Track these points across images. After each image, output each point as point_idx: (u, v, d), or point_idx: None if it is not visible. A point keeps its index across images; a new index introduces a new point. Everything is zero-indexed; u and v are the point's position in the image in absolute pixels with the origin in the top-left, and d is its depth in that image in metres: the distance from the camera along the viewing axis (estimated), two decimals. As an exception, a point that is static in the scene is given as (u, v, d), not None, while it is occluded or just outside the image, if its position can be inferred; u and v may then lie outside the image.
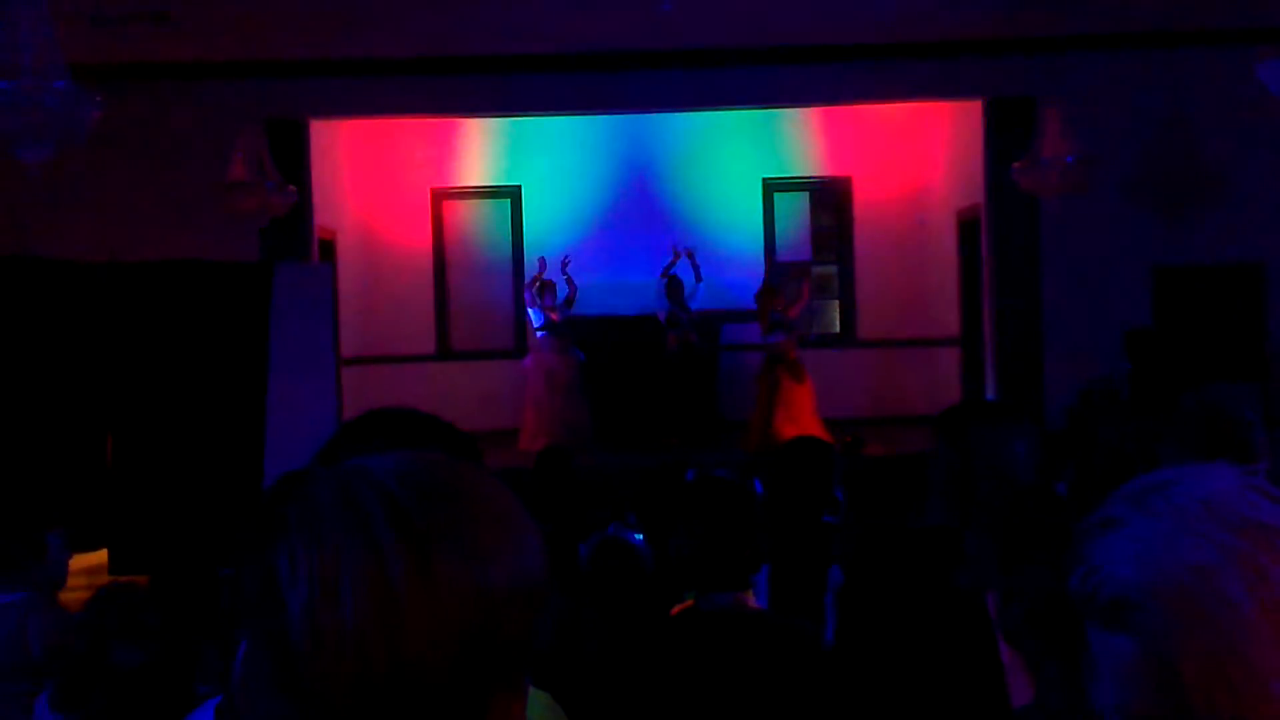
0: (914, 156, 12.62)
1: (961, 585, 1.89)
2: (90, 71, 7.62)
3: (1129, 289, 10.12)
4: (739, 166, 12.62)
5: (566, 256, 11.06)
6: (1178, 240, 10.14)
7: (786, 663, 2.57)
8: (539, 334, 10.87)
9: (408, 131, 12.50)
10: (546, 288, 10.82)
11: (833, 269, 12.97)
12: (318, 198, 10.60)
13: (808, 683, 2.46)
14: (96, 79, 7.26)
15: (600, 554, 4.21)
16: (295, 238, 10.03)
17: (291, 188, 9.35)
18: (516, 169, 12.66)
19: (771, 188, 12.81)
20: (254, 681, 0.84)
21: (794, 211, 12.99)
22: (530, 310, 10.95)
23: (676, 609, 2.98)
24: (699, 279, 10.98)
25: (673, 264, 11.06)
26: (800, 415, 10.14)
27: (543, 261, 11.00)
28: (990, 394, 10.41)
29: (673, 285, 11.01)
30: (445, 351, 12.69)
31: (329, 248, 11.20)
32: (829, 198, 12.91)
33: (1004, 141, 10.02)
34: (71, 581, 4.30)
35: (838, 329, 12.91)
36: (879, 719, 1.75)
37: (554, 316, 10.82)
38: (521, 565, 0.86)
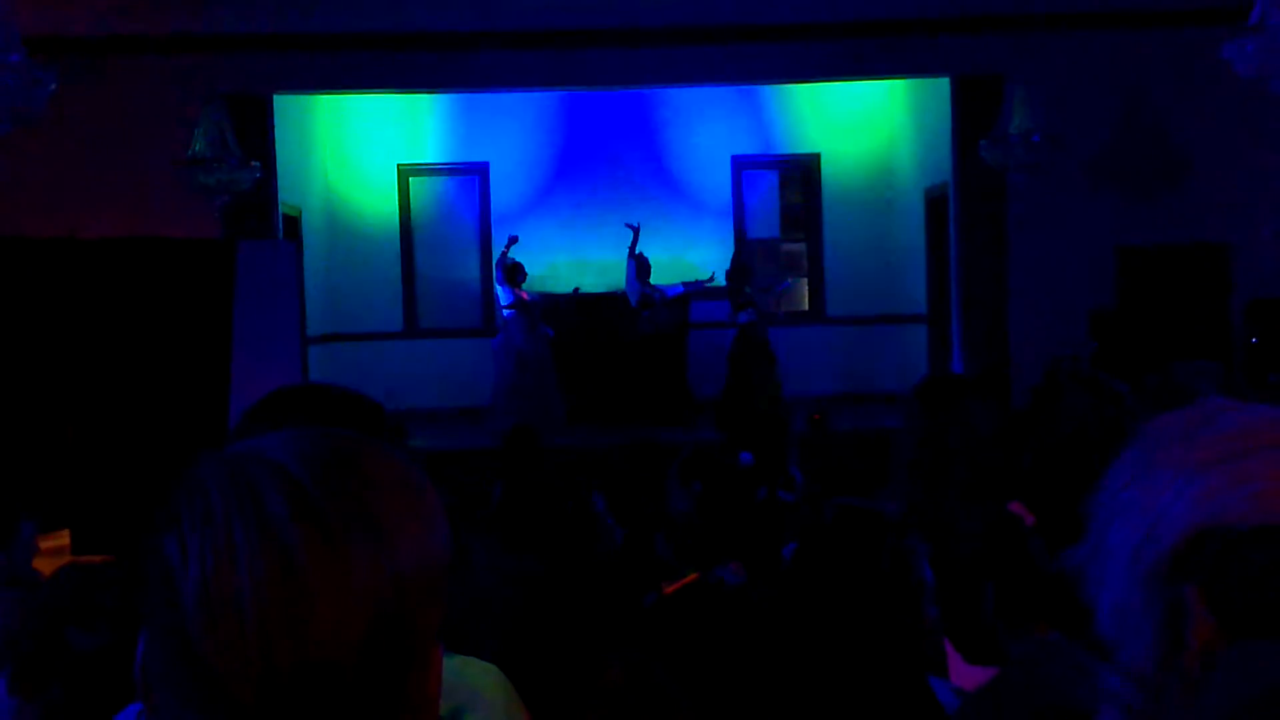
0: (882, 134, 12.64)
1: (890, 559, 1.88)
2: (48, 45, 7.50)
3: (1094, 268, 10.18)
4: (707, 144, 12.59)
5: (514, 235, 10.97)
6: (1143, 220, 10.20)
7: (788, 639, 2.56)
8: (506, 312, 10.82)
9: (374, 107, 12.39)
10: (515, 269, 10.77)
11: (801, 246, 12.99)
12: (282, 174, 10.48)
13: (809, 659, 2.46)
14: (54, 53, 7.15)
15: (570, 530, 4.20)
16: (259, 215, 9.91)
17: (255, 164, 9.23)
18: (484, 146, 12.58)
19: (740, 165, 12.79)
20: (156, 679, 0.80)
21: (763, 189, 12.98)
22: (499, 288, 10.90)
23: (678, 584, 2.97)
24: (632, 254, 10.93)
25: (635, 242, 11.02)
26: (769, 393, 10.18)
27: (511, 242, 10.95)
28: (958, 371, 10.46)
29: (642, 265, 10.98)
30: (412, 329, 12.62)
31: (294, 225, 11.08)
32: (798, 175, 12.91)
33: (972, 119, 10.03)
34: (35, 562, 4.25)
35: (806, 306, 12.93)
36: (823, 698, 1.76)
37: (523, 295, 10.78)
38: (428, 540, 0.83)
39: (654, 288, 10.99)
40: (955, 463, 2.40)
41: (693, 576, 2.83)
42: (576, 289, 11.55)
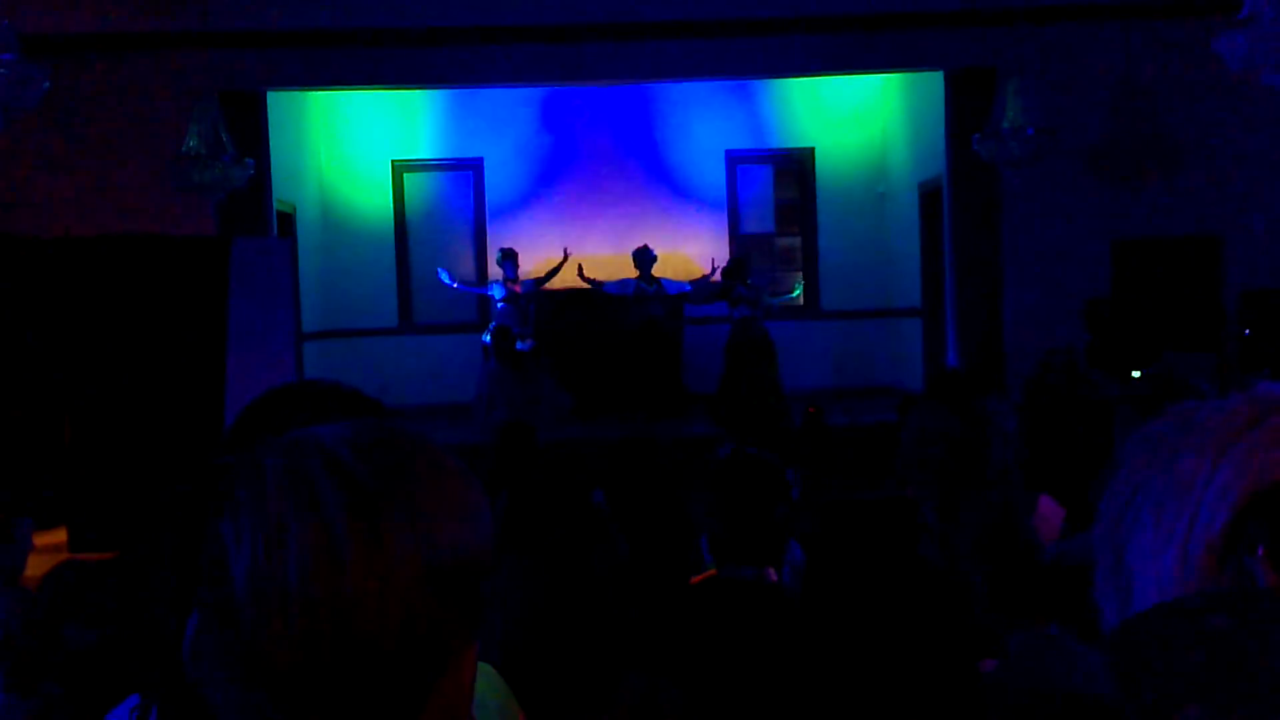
0: (876, 128, 12.64)
1: (927, 555, 1.89)
2: (41, 43, 7.48)
3: (1088, 260, 10.19)
4: (702, 139, 12.60)
5: (566, 250, 11.05)
6: (1136, 212, 10.22)
7: (807, 635, 2.56)
8: (499, 306, 10.82)
9: (367, 103, 12.37)
10: (507, 256, 10.78)
11: (796, 241, 12.99)
12: (276, 171, 10.46)
13: (825, 656, 2.46)
14: (47, 50, 7.14)
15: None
16: (253, 211, 9.89)
17: (249, 160, 9.21)
18: (478, 141, 12.57)
19: (734, 160, 12.79)
20: (205, 656, 0.83)
21: (757, 184, 12.99)
22: (492, 284, 10.92)
23: (698, 577, 2.97)
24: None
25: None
26: (765, 389, 10.17)
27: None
28: (952, 365, 10.47)
29: (639, 258, 10.94)
30: (407, 325, 12.62)
31: (288, 221, 11.07)
32: (792, 170, 12.91)
33: (965, 113, 10.04)
34: (31, 560, 4.25)
35: (801, 301, 12.94)
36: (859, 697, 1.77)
37: (516, 289, 10.77)
38: (470, 535, 0.86)
39: (656, 281, 10.97)
40: (978, 457, 2.40)
41: (712, 571, 2.83)
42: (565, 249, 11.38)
